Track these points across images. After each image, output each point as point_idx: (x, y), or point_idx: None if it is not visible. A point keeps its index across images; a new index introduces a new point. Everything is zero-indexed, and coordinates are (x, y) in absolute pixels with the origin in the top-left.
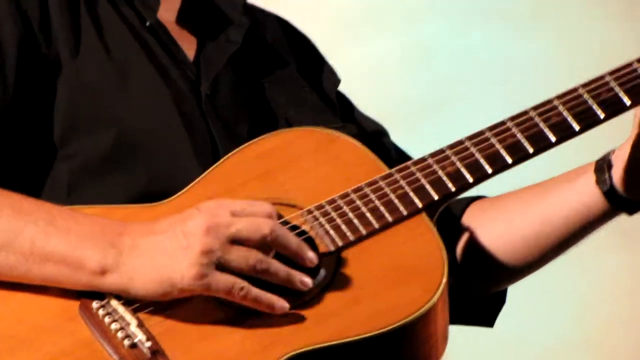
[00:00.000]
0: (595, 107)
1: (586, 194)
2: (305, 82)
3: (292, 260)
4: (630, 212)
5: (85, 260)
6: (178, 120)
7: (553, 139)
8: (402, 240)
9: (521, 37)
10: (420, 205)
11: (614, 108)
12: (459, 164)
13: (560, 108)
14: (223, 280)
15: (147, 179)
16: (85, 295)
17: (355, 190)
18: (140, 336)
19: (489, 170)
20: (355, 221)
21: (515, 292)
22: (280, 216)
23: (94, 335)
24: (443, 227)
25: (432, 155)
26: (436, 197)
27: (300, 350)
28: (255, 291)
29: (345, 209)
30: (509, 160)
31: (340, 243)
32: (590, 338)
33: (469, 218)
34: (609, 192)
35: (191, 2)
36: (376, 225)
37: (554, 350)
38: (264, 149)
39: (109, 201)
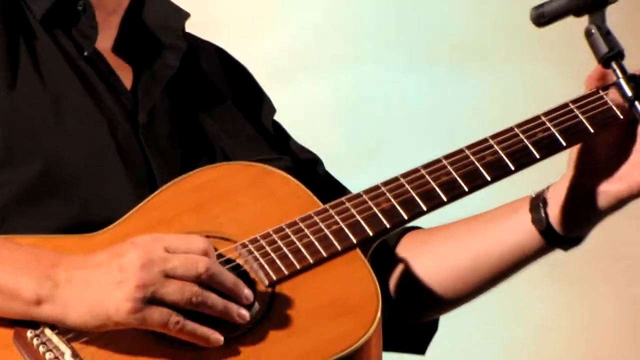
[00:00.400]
0: (530, 147)
1: (521, 233)
2: (240, 114)
3: (228, 297)
4: (566, 248)
5: (20, 290)
6: (113, 150)
7: (488, 177)
8: (337, 275)
9: (455, 79)
10: (354, 240)
11: (550, 148)
12: (394, 201)
13: (496, 147)
14: (158, 314)
15: (79, 208)
16: (19, 323)
17: (290, 225)
18: None
19: (424, 208)
20: (290, 256)
21: (447, 321)
22: (214, 249)
23: None
24: (377, 257)
25: (367, 191)
26: (371, 234)
27: None
28: (190, 325)
29: (280, 243)
30: (444, 198)
31: (274, 277)
32: None
33: (403, 249)
34: (546, 231)
35: (128, 30)
36: (311, 260)
37: None
38: (199, 182)
39: (42, 230)
